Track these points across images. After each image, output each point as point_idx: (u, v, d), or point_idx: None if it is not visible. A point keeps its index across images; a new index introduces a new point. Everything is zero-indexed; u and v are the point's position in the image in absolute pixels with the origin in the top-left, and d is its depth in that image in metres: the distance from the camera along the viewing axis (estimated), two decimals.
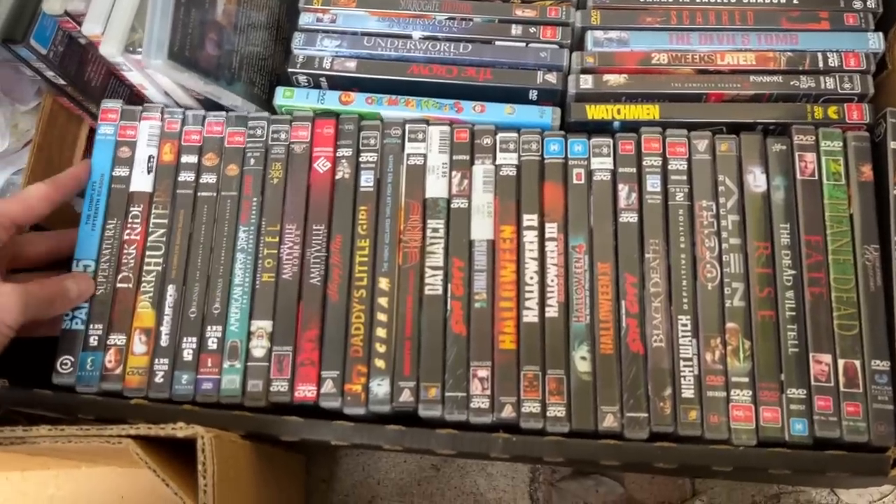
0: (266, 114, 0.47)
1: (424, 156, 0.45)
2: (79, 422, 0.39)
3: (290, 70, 0.46)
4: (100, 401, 0.41)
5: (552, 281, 0.41)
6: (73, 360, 0.42)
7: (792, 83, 0.44)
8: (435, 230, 0.43)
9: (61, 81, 0.47)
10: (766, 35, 0.46)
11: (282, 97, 0.46)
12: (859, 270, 0.40)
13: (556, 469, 0.51)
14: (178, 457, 0.36)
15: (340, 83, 0.46)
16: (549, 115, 0.45)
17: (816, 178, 0.41)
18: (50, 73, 0.46)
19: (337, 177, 0.44)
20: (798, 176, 0.42)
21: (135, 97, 0.49)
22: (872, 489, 0.50)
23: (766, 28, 0.46)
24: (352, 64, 0.47)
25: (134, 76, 0.46)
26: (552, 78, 0.46)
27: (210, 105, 0.47)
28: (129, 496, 0.50)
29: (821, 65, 0.45)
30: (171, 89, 0.47)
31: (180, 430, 0.34)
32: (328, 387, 0.41)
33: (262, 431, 0.39)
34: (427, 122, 0.45)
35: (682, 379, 0.39)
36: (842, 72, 0.44)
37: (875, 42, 0.45)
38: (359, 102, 0.46)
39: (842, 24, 0.46)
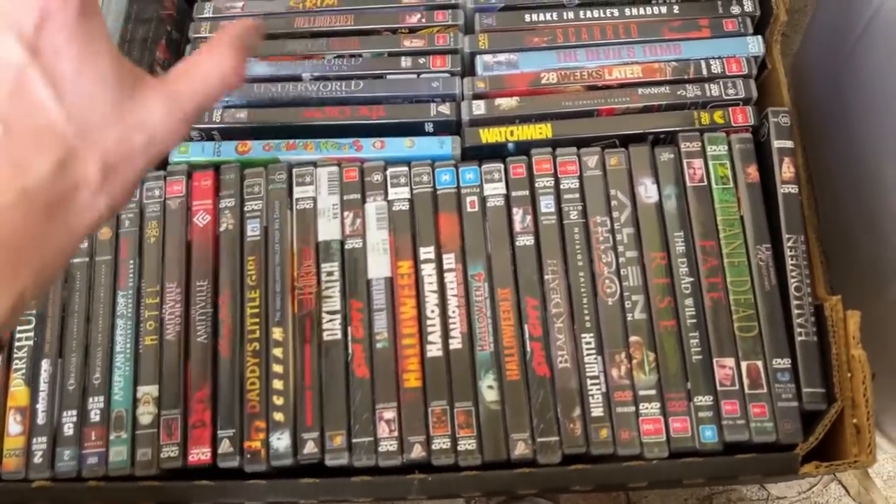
0: None
1: (314, 198, 0.51)
2: None
3: None
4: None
5: (453, 312, 0.48)
6: None
7: (679, 92, 0.53)
8: (330, 273, 0.50)
9: None
10: (651, 46, 0.55)
11: (177, 153, 0.51)
12: (754, 271, 0.47)
13: (490, 498, 0.58)
14: None
15: (234, 133, 0.52)
16: (448, 144, 0.52)
17: (706, 183, 0.50)
18: None
19: (220, 228, 0.50)
20: (688, 183, 0.50)
21: None
22: (801, 480, 0.58)
23: (650, 40, 0.55)
24: (243, 114, 0.52)
25: None
26: (445, 109, 0.53)
27: None
28: None
29: (704, 72, 0.53)
30: None
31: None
32: (225, 446, 0.46)
33: (171, 501, 0.44)
34: (315, 163, 0.52)
35: (590, 398, 0.45)
36: (725, 77, 0.53)
37: (755, 46, 0.54)
38: (256, 150, 0.51)
39: (722, 31, 0.55)
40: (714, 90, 0.52)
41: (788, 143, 0.49)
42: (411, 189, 0.50)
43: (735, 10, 0.55)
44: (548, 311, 0.47)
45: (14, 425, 0.46)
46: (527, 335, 0.47)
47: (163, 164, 0.52)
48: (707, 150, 0.50)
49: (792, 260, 0.47)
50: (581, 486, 0.43)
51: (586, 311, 0.47)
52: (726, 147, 0.50)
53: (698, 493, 0.55)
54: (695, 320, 0.47)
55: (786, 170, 0.49)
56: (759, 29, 0.55)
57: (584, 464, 0.44)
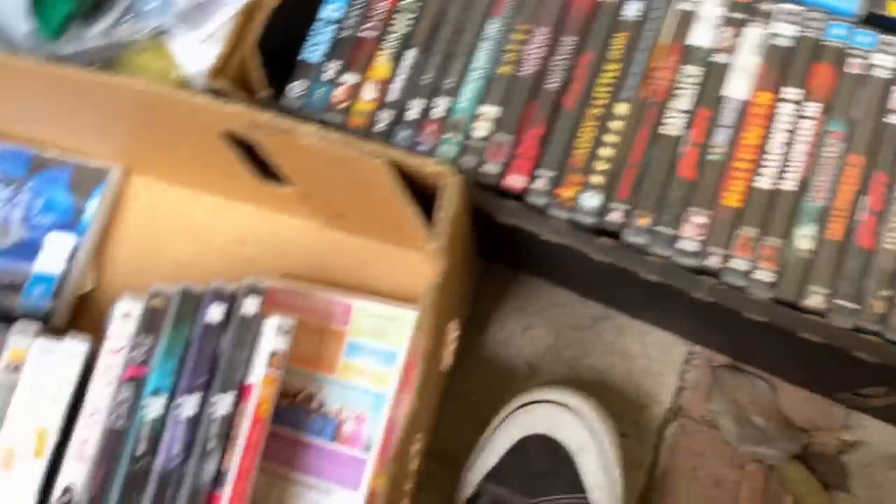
0: None
1: (699, 3, 0.51)
2: None
3: None
4: None
5: (798, 157, 0.47)
6: (305, 87, 0.52)
7: None
8: (689, 76, 0.50)
9: None
10: None
11: None
12: None
13: (711, 358, 0.58)
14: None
15: None
16: (855, 2, 0.50)
17: None
18: None
19: None
20: None
21: None
22: None
23: None
24: None
25: None
26: None
27: None
28: (318, 250, 0.62)
29: None
30: None
31: (430, 164, 0.42)
32: (540, 184, 0.49)
33: (480, 206, 0.46)
34: None
35: None
36: None
37: None
38: None
39: None
40: None
41: None
42: (801, 29, 0.49)
43: None
44: (894, 192, 0.45)
45: (369, 92, 0.50)
46: (865, 204, 0.45)
47: None
48: None
49: None
50: (866, 356, 0.42)
51: None
52: None
53: None
54: None
55: None
56: None
57: None
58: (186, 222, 0.63)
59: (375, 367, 0.54)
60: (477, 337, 0.61)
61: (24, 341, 0.48)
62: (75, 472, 0.46)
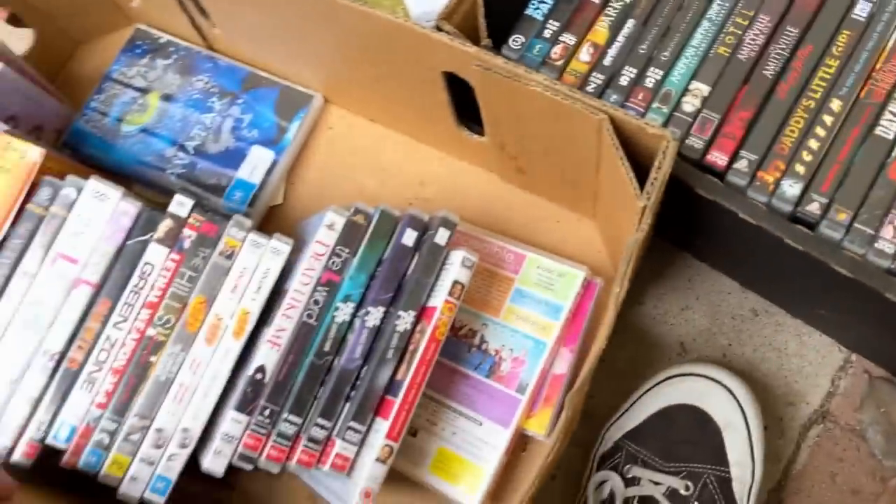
0: None
1: None
2: None
3: None
4: None
5: None
6: (524, 40, 0.55)
7: None
8: None
9: None
10: None
11: None
12: None
13: (868, 369, 0.57)
14: None
15: None
16: None
17: None
18: None
19: None
20: None
21: None
22: None
23: None
24: None
25: None
26: None
27: None
28: (494, 201, 0.65)
29: None
30: None
31: (651, 126, 0.44)
32: (742, 164, 0.50)
33: (682, 177, 0.47)
34: None
35: None
36: None
37: None
38: None
39: None
40: None
41: None
42: None
43: None
44: None
45: (585, 54, 0.53)
46: None
47: None
48: None
49: None
50: None
51: None
52: None
53: None
54: None
55: None
56: None
57: None
58: (374, 156, 0.68)
59: (539, 317, 0.56)
60: (633, 308, 0.62)
61: (238, 234, 0.53)
62: (269, 356, 0.50)
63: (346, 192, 0.67)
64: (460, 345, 0.57)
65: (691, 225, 0.54)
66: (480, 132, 0.59)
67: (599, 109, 0.44)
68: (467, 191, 0.66)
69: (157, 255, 0.52)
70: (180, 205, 0.53)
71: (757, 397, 0.55)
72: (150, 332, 0.51)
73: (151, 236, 0.52)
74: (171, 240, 0.52)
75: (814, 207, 0.47)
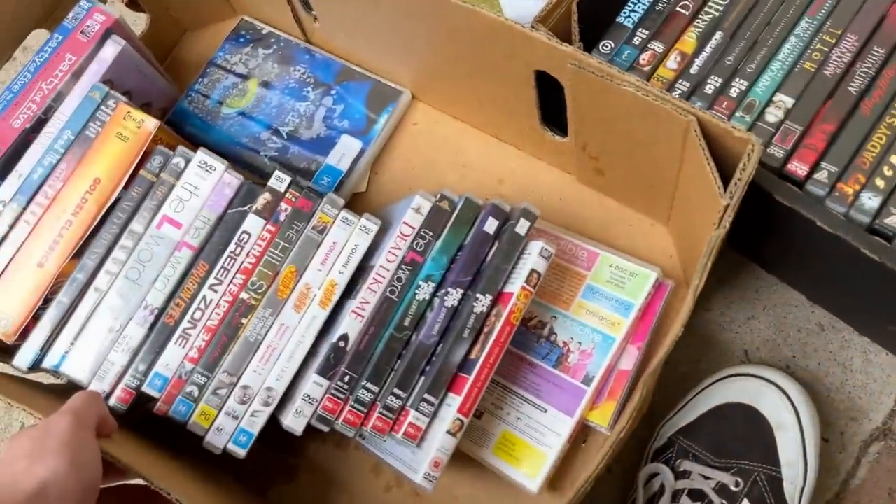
0: None
1: None
2: None
3: None
4: None
5: None
6: (613, 45, 0.57)
7: None
8: None
9: None
10: None
11: None
12: None
13: None
14: None
15: None
16: None
17: None
18: None
19: None
20: None
21: None
22: None
23: None
24: None
25: None
26: None
27: None
28: (570, 201, 0.67)
29: None
30: None
31: (737, 131, 0.46)
32: (822, 175, 0.51)
33: (761, 183, 0.49)
34: None
35: None
36: None
37: None
38: None
39: None
40: None
41: None
42: None
43: None
44: None
45: (672, 62, 0.55)
46: None
47: None
48: None
49: None
50: None
51: None
52: None
53: None
54: None
55: None
56: None
57: None
58: (455, 152, 0.70)
59: (609, 313, 0.58)
60: (700, 313, 0.64)
61: (331, 211, 0.56)
62: (352, 325, 0.53)
63: (426, 186, 0.70)
64: (529, 335, 0.60)
65: (766, 234, 0.56)
66: (562, 133, 0.61)
67: (688, 111, 0.46)
68: (544, 190, 0.68)
69: (254, 225, 0.56)
70: (279, 180, 0.56)
71: (818, 407, 0.56)
72: (243, 295, 0.55)
73: (250, 207, 0.56)
74: (269, 212, 0.56)
75: (892, 220, 0.48)
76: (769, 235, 0.55)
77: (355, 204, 0.70)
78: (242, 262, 0.55)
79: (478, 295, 0.53)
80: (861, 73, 0.52)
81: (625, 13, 0.57)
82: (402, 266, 0.54)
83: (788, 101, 0.52)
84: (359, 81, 0.72)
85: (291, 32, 0.74)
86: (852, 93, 0.52)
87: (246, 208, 0.56)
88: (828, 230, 0.48)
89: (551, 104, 0.59)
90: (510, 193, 0.68)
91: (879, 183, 0.49)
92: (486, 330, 0.53)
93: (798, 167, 0.51)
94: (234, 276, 0.55)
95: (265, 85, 0.72)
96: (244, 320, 0.55)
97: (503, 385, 0.59)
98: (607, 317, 0.58)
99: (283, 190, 0.56)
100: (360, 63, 0.72)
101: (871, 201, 0.49)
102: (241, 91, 0.72)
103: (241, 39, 0.75)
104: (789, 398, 0.54)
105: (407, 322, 0.54)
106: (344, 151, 0.69)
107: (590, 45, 0.57)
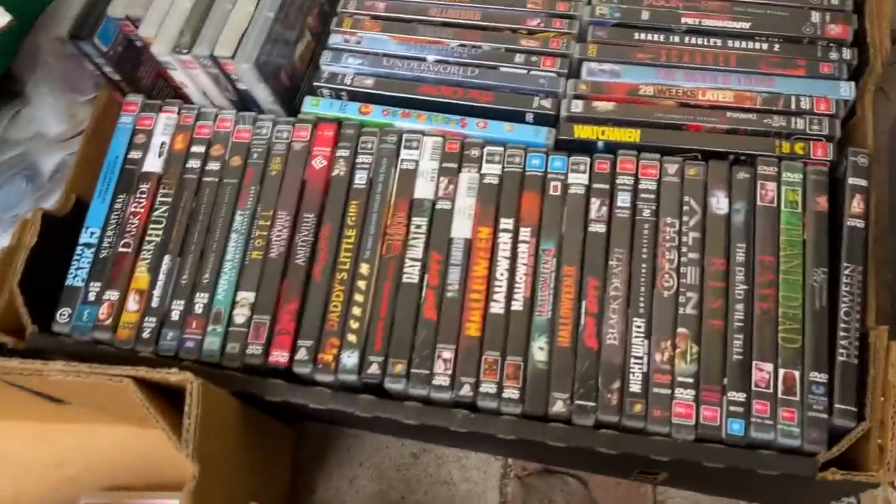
0: (272, 115, 0.61)
1: (417, 161, 0.57)
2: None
3: (315, 84, 0.60)
4: (111, 351, 0.52)
5: (520, 278, 0.52)
6: (70, 311, 0.54)
7: (765, 121, 0.56)
8: (418, 227, 0.55)
9: (117, 77, 0.61)
10: (746, 77, 0.58)
11: (309, 105, 0.59)
12: (807, 290, 0.49)
13: (525, 466, 0.61)
14: (175, 408, 0.47)
15: (359, 97, 0.59)
16: (543, 134, 0.57)
17: (775, 204, 0.52)
18: (108, 69, 0.61)
19: (333, 173, 0.56)
20: (758, 202, 0.52)
21: (178, 97, 0.64)
22: None
23: (746, 71, 0.58)
24: (369, 81, 0.60)
25: (178, 75, 0.59)
26: (547, 104, 0.58)
27: (242, 106, 0.61)
28: (136, 454, 0.62)
29: (793, 106, 0.56)
30: (208, 89, 0.61)
31: (173, 375, 0.45)
32: (302, 354, 0.51)
33: (247, 390, 0.49)
34: (423, 133, 0.58)
35: (630, 374, 0.49)
36: (812, 114, 0.56)
37: (847, 91, 0.57)
38: (376, 114, 0.58)
39: (817, 72, 0.57)
40: (799, 124, 0.55)
41: (863, 182, 0.52)
42: (503, 167, 0.56)
43: (833, 56, 0.58)
44: (607, 292, 0.51)
45: (132, 303, 0.53)
46: (583, 309, 0.51)
47: (294, 112, 0.59)
48: (782, 175, 0.53)
49: (846, 287, 0.49)
50: (607, 450, 0.46)
51: (642, 299, 0.51)
52: (801, 176, 0.53)
53: None
54: (742, 324, 0.49)
55: (856, 205, 0.51)
56: (855, 77, 0.57)
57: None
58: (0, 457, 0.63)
59: None
60: (308, 498, 0.62)
61: None
62: None
63: None
64: None
65: (306, 415, 0.56)
66: None
67: (121, 375, 0.44)
68: (107, 453, 0.63)
69: None
70: None
71: None
72: None
73: None
74: None
75: (374, 369, 0.50)
76: (300, 416, 0.55)
77: None
78: None
79: None
80: (302, 244, 0.54)
81: (72, 273, 0.55)
82: None
83: (251, 296, 0.53)
84: None
85: None
86: (301, 264, 0.54)
87: None
88: (322, 407, 0.48)
89: None
90: (76, 473, 0.62)
91: (352, 338, 0.51)
92: None
93: (279, 356, 0.51)
94: None
95: None
96: None
97: None
98: None
99: None
100: None
101: (350, 359, 0.50)
102: None
103: None
104: None
105: None
106: None
107: (51, 317, 0.54)
